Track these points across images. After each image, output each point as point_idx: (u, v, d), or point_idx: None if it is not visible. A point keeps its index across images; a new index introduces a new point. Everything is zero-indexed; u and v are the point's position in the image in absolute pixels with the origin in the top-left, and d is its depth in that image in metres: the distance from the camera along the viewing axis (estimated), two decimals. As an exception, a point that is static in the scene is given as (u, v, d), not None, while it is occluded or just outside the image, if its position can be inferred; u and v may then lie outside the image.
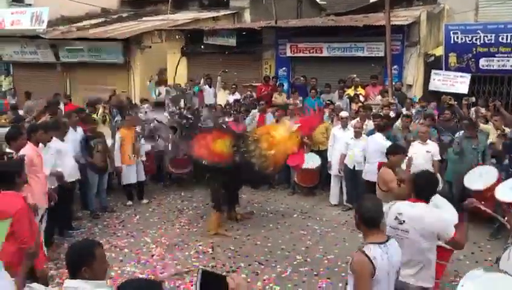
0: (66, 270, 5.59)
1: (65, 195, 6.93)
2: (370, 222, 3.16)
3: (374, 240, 3.14)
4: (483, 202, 5.47)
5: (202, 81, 13.25)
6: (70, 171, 7.15)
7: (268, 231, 7.44)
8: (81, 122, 8.28)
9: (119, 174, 8.81)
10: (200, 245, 6.93)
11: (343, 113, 8.97)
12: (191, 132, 7.67)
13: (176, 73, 14.69)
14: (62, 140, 7.11)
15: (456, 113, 9.14)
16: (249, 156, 6.99)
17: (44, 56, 16.67)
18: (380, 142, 7.40)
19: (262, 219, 8.10)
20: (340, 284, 5.45)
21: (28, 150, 5.67)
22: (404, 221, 3.80)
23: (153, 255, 6.57)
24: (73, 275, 2.73)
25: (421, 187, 3.96)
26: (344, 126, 8.65)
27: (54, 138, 6.83)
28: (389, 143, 6.68)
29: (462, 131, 7.99)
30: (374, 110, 9.44)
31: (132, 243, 6.98)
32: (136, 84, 15.41)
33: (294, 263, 6.28)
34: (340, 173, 8.59)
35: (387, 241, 3.21)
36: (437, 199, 5.11)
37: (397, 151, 5.71)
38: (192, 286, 5.61)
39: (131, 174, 8.60)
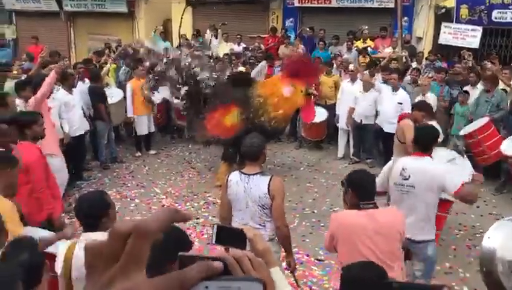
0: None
1: (76, 146, 6.99)
2: (245, 156, 3.74)
3: (242, 169, 3.69)
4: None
5: (208, 32, 13.03)
6: (79, 123, 7.18)
7: (275, 183, 7.55)
8: (88, 73, 8.25)
9: (128, 126, 8.85)
10: (208, 196, 7.08)
11: (352, 66, 8.88)
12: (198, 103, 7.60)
13: (180, 24, 14.40)
14: (70, 92, 7.11)
15: (473, 68, 9.00)
16: (260, 121, 7.01)
17: (47, 4, 16.31)
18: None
19: (269, 171, 8.17)
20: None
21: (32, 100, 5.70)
22: (409, 176, 3.85)
23: (163, 206, 6.73)
24: (91, 228, 2.74)
25: (424, 141, 4.01)
26: (353, 79, 8.59)
27: (62, 90, 6.84)
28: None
29: (470, 85, 8.02)
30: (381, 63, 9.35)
31: (142, 194, 7.13)
32: (140, 34, 15.17)
33: (302, 214, 6.43)
34: (347, 126, 8.62)
35: (254, 175, 3.59)
36: (452, 154, 5.17)
37: (423, 108, 5.64)
38: (202, 236, 5.78)
39: (144, 125, 8.65)
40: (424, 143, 3.97)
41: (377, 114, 8.13)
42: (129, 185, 7.45)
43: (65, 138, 6.70)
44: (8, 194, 3.35)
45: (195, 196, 7.10)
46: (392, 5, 11.87)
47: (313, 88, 7.50)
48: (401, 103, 7.42)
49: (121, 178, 7.78)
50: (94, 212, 2.75)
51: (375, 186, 3.24)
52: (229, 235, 1.49)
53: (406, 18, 11.78)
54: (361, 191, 3.14)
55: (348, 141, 8.87)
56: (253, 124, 6.97)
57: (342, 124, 8.75)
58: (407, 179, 3.84)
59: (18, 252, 2.27)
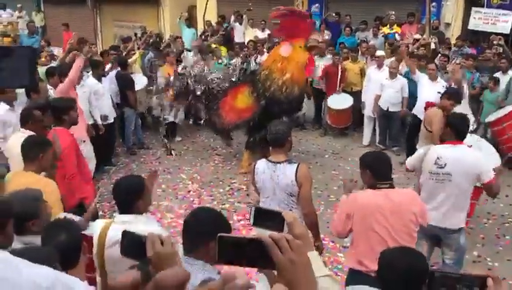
0: (107, 204, 5.91)
1: (105, 132, 7.10)
2: (270, 143, 3.72)
3: (269, 157, 3.71)
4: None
5: (232, 18, 13.01)
6: (108, 111, 7.27)
7: (300, 171, 7.55)
8: (116, 61, 8.34)
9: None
10: (234, 183, 7.14)
11: (379, 52, 8.76)
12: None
13: (205, 10, 14.40)
14: (99, 80, 7.20)
15: (504, 54, 8.77)
16: (271, 92, 6.93)
17: (74, -9, 16.56)
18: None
19: (294, 159, 8.19)
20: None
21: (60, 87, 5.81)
22: (445, 164, 3.82)
23: (189, 191, 6.83)
24: (126, 210, 2.83)
25: (458, 128, 3.96)
26: (379, 66, 8.47)
27: (91, 77, 6.94)
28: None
29: (501, 71, 7.83)
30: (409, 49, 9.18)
31: (169, 179, 7.23)
32: (165, 21, 15.25)
33: (327, 201, 6.43)
34: (373, 114, 8.53)
35: (281, 163, 3.61)
36: (482, 142, 5.09)
37: (452, 96, 5.51)
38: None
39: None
40: (458, 131, 3.93)
41: (402, 102, 7.99)
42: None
43: (100, 129, 6.81)
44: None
45: (220, 182, 7.17)
46: (420, -10, 11.62)
47: (313, 41, 7.24)
48: (440, 92, 7.23)
49: (148, 164, 7.90)
50: (129, 195, 2.82)
51: (391, 167, 3.28)
52: (267, 218, 1.50)
53: (434, 3, 11.52)
54: (377, 171, 3.19)
55: (374, 128, 8.79)
56: (266, 98, 6.94)
57: (367, 111, 8.67)
58: (442, 168, 3.81)
59: (56, 233, 2.33)
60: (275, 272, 1.03)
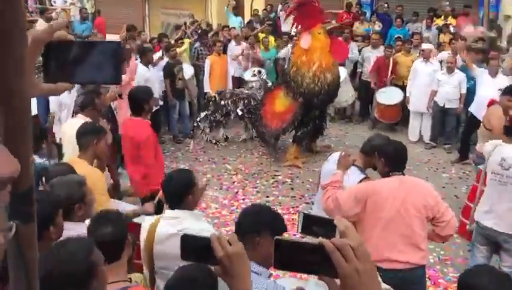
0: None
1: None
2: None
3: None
4: None
5: (280, 7, 12.84)
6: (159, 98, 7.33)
7: (347, 165, 7.39)
8: (164, 49, 8.39)
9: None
10: (278, 175, 7.06)
11: (425, 45, 8.39)
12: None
13: (252, -1, 14.32)
14: (148, 67, 7.25)
15: None
16: (305, 88, 6.81)
17: (124, -21, 16.79)
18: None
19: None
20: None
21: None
22: (509, 167, 3.61)
23: (234, 182, 6.80)
24: (176, 205, 2.78)
25: None
26: (426, 59, 8.13)
27: (141, 65, 7.00)
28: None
29: None
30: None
31: (214, 169, 7.23)
32: (212, 9, 15.24)
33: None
34: (428, 110, 8.20)
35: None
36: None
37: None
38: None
39: None
40: None
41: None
42: (201, 159, 7.58)
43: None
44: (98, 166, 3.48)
45: (265, 174, 7.11)
46: (478, -19, 11.09)
47: (331, 25, 7.21)
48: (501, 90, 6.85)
49: (193, 153, 7.92)
50: (179, 190, 2.79)
51: (407, 157, 3.30)
52: (316, 225, 1.41)
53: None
54: (394, 162, 3.25)
55: (421, 124, 8.49)
56: (302, 94, 6.84)
57: (413, 106, 8.35)
58: (507, 170, 3.62)
59: (102, 225, 2.31)
60: (337, 281, 0.96)
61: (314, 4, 6.92)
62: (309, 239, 1.15)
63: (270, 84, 7.96)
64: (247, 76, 8.93)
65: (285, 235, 2.21)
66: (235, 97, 7.64)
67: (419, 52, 8.91)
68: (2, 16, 0.72)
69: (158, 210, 3.72)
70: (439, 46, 9.37)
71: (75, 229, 2.52)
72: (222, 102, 7.64)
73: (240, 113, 7.61)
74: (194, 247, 1.28)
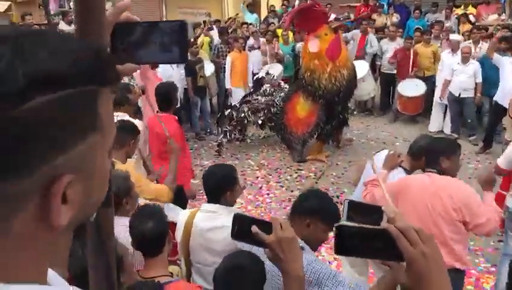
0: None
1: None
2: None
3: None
4: None
5: (297, 2, 12.80)
6: (180, 96, 7.38)
7: (371, 158, 7.34)
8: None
9: (226, 97, 9.01)
10: (301, 169, 7.07)
11: (454, 36, 8.30)
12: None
13: (269, -6, 14.29)
14: (171, 65, 7.30)
15: None
16: (323, 89, 6.75)
17: (141, -21, 16.94)
18: None
19: (363, 145, 8.02)
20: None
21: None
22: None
23: (257, 177, 6.83)
24: (215, 199, 2.76)
25: None
26: (454, 50, 8.04)
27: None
28: None
29: None
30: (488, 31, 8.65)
31: (237, 165, 7.18)
32: (229, 7, 15.29)
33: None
34: (441, 100, 8.13)
35: None
36: None
37: None
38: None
39: (239, 98, 8.70)
40: None
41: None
42: (224, 156, 7.62)
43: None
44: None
45: (288, 169, 7.12)
46: (499, -33, 10.88)
47: (335, 23, 7.20)
48: None
49: (216, 149, 7.96)
50: (220, 185, 2.76)
51: (440, 154, 3.16)
52: (362, 212, 1.41)
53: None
54: (427, 158, 3.21)
55: (445, 115, 8.40)
56: (322, 96, 6.80)
57: (437, 96, 8.29)
58: None
59: (144, 221, 2.34)
60: (403, 264, 0.95)
61: (315, 7, 6.89)
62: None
63: (282, 83, 7.88)
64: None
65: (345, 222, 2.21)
66: (253, 107, 7.55)
67: (440, 43, 8.82)
68: None
69: (180, 203, 3.77)
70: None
71: (119, 222, 2.56)
72: (241, 114, 7.55)
73: (260, 122, 7.59)
74: (247, 228, 1.28)
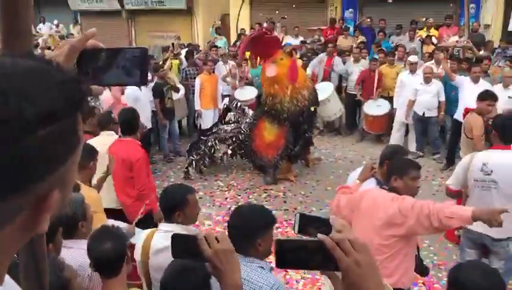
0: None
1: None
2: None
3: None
4: None
5: (265, 26, 13.02)
6: (146, 119, 7.33)
7: (338, 177, 7.43)
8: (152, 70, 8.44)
9: (195, 119, 9.01)
10: (271, 189, 7.09)
11: (412, 58, 8.55)
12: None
13: (238, 19, 14.51)
14: (139, 87, 7.28)
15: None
16: (287, 112, 6.83)
17: (109, 4, 16.95)
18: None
19: (331, 164, 8.12)
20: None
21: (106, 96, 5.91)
22: (491, 171, 3.66)
23: (226, 198, 6.82)
24: (168, 219, 2.82)
25: (506, 131, 3.79)
26: (412, 71, 8.30)
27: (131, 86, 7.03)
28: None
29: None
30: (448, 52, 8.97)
31: (206, 186, 7.25)
32: (199, 30, 15.43)
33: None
34: (406, 119, 8.34)
35: None
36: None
37: (485, 97, 5.36)
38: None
39: (209, 120, 8.73)
40: (505, 134, 3.76)
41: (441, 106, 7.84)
42: (192, 177, 7.58)
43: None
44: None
45: (257, 189, 7.15)
46: (457, -8, 11.37)
47: (288, 48, 7.36)
48: None
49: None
50: (170, 204, 2.80)
51: (392, 173, 3.17)
52: (312, 225, 1.44)
53: (472, 5, 11.24)
54: (390, 169, 3.23)
55: (406, 134, 8.60)
56: (286, 118, 6.88)
57: (399, 116, 8.48)
58: (489, 175, 3.66)
59: (102, 241, 2.33)
60: (339, 274, 0.99)
61: (267, 34, 7.04)
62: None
63: (246, 109, 7.93)
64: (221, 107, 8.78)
65: (286, 236, 2.21)
66: (220, 137, 7.55)
67: (404, 64, 9.09)
68: None
69: (149, 226, 3.74)
70: (422, 58, 9.57)
71: (75, 246, 2.54)
72: (209, 143, 7.53)
73: (230, 152, 7.59)
74: (185, 246, 1.34)
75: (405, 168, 3.13)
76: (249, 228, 2.25)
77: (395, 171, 3.13)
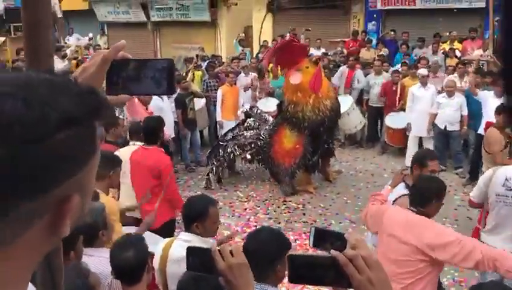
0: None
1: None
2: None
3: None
4: None
5: (288, 36, 13.10)
6: (170, 128, 7.46)
7: (358, 190, 7.42)
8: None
9: (217, 130, 9.11)
10: (290, 201, 7.10)
11: (422, 71, 8.46)
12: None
13: (261, 31, 14.65)
14: (161, 98, 7.43)
15: None
16: (308, 120, 6.84)
17: (135, 15, 17.32)
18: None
19: (352, 177, 8.08)
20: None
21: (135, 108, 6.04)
22: (515, 187, 3.62)
23: (245, 209, 6.85)
24: (187, 229, 2.88)
25: None
26: (423, 84, 8.21)
27: (155, 96, 7.17)
28: None
29: None
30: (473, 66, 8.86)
31: (226, 197, 7.30)
32: (222, 42, 15.61)
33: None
34: (428, 134, 8.24)
35: None
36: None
37: (501, 110, 5.32)
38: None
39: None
40: None
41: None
42: (213, 187, 7.64)
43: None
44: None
45: (276, 200, 7.16)
46: (482, 5, 11.25)
47: (314, 57, 7.37)
48: None
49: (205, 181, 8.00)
50: (189, 216, 2.87)
51: (429, 196, 3.02)
52: (328, 239, 1.47)
53: (498, 18, 11.09)
54: (413, 195, 3.10)
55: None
56: (307, 127, 6.88)
57: (413, 131, 8.36)
58: (511, 190, 3.61)
59: (125, 249, 2.39)
60: None
61: (294, 43, 7.09)
62: (322, 253, 1.21)
63: (266, 116, 7.95)
64: (241, 114, 8.70)
65: (298, 251, 2.17)
66: (239, 143, 7.59)
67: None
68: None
69: (170, 235, 3.82)
70: (446, 70, 9.47)
71: (96, 254, 2.61)
72: (228, 150, 7.58)
73: (249, 157, 7.64)
74: (200, 259, 1.35)
75: (441, 193, 3.07)
76: (270, 254, 2.20)
77: (432, 198, 3.02)
